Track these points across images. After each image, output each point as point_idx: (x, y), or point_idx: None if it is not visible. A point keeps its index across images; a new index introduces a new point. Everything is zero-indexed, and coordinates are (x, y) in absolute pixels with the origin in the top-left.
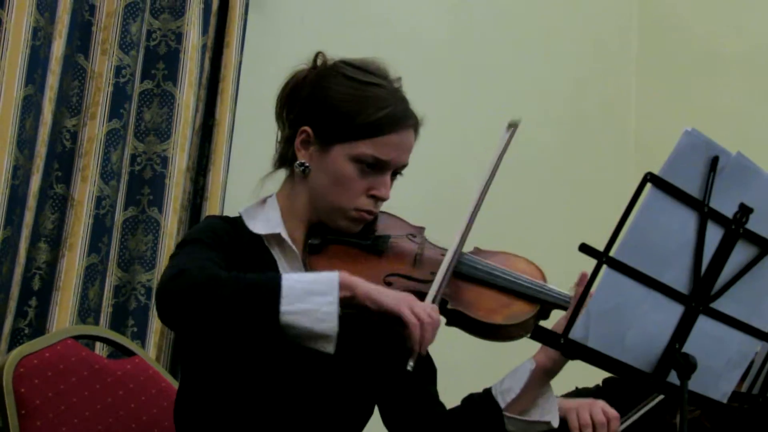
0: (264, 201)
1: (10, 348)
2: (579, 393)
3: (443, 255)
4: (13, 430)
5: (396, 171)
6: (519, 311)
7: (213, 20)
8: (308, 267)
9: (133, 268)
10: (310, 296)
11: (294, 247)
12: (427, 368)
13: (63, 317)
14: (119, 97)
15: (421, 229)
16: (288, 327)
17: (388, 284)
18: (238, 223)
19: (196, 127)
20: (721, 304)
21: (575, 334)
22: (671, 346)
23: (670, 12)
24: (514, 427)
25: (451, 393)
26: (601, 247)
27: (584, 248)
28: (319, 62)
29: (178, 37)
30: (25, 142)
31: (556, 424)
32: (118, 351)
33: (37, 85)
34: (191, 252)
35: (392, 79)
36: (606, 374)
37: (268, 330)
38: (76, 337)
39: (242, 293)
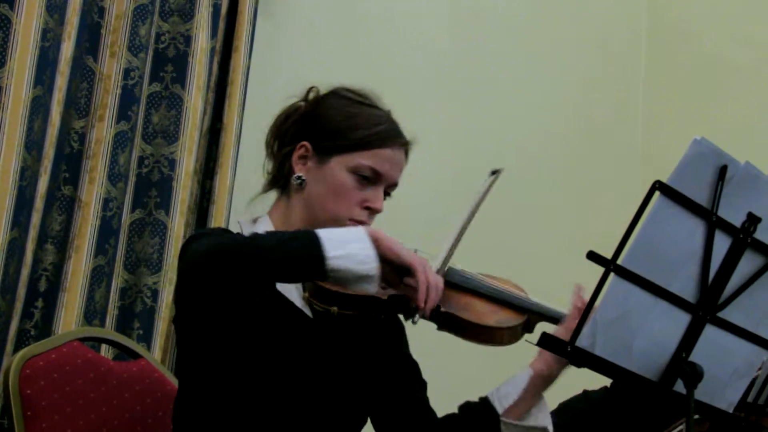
0: (255, 220)
1: (16, 349)
2: (586, 395)
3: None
4: None
5: (387, 188)
6: (508, 318)
7: (222, 24)
8: None
9: (139, 271)
10: (347, 243)
11: None
12: (417, 377)
13: (69, 319)
14: (127, 100)
15: None
16: (334, 271)
17: None
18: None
19: (203, 130)
20: (728, 314)
21: (582, 342)
22: (678, 354)
23: (679, 20)
24: None
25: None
26: (609, 255)
27: (592, 256)
28: (311, 96)
29: (187, 40)
30: (33, 144)
31: (551, 430)
32: (124, 353)
33: (45, 87)
34: (207, 237)
35: (384, 106)
36: None
37: (315, 275)
38: (82, 339)
39: (287, 243)
